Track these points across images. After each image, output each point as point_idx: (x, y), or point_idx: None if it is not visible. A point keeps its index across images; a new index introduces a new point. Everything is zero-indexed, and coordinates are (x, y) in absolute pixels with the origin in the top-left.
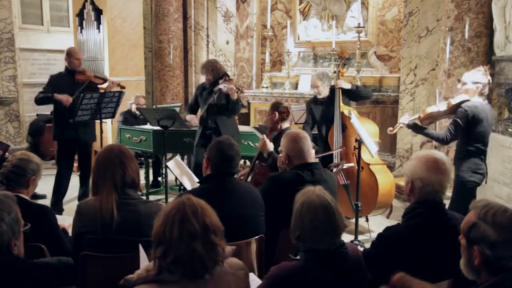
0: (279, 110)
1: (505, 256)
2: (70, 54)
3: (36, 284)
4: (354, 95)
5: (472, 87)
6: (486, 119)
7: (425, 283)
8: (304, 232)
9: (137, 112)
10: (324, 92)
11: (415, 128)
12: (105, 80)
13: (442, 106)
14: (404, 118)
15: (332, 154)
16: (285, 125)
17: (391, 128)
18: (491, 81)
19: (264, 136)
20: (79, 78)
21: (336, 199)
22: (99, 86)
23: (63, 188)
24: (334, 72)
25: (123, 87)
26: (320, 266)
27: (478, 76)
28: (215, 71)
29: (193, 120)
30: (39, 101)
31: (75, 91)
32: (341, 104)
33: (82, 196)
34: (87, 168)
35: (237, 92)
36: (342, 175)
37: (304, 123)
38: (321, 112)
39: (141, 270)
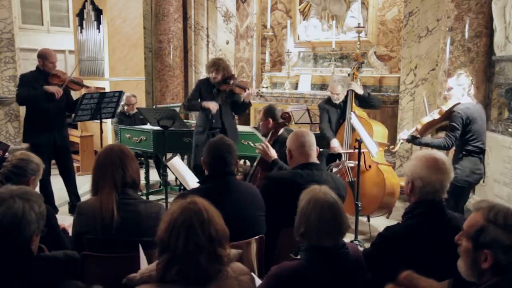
0: (274, 115)
1: None
2: (44, 57)
3: (43, 277)
4: (364, 101)
5: (458, 89)
6: (480, 117)
7: (432, 281)
8: (310, 229)
9: (130, 112)
10: (341, 100)
11: (415, 140)
12: (81, 86)
13: (435, 115)
14: (403, 134)
15: (340, 153)
16: (281, 130)
17: (393, 146)
18: (473, 81)
19: (266, 141)
20: (54, 81)
21: (342, 201)
22: (73, 90)
23: (50, 191)
24: (349, 74)
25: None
26: (320, 266)
27: (461, 79)
28: (225, 70)
29: (214, 107)
30: (23, 98)
31: (50, 94)
32: (353, 104)
33: (73, 196)
34: (70, 171)
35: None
36: (349, 173)
37: (321, 123)
38: (337, 116)
39: (145, 269)
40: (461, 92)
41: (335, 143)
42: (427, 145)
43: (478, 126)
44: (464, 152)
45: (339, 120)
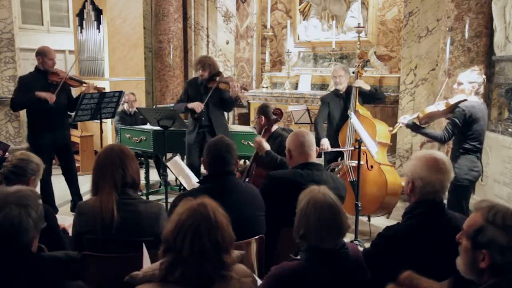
0: (266, 113)
1: None
2: (43, 54)
3: (43, 276)
4: (371, 97)
5: (468, 86)
6: (482, 118)
7: (432, 282)
8: (310, 230)
9: (131, 110)
10: (343, 85)
11: (414, 127)
12: (81, 83)
13: (440, 106)
14: (404, 118)
15: (343, 152)
16: (275, 127)
17: (391, 128)
18: (485, 80)
19: (259, 136)
20: (53, 79)
21: (342, 201)
22: (73, 88)
23: (50, 191)
24: (353, 72)
25: (100, 90)
26: (321, 266)
27: (473, 76)
28: (212, 67)
29: (198, 107)
30: (16, 105)
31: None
32: (357, 103)
33: (75, 195)
34: (72, 170)
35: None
36: (351, 172)
37: (317, 118)
38: (340, 108)
39: (148, 268)
40: (470, 89)
41: (325, 142)
42: (425, 134)
43: (479, 126)
44: (461, 150)
45: (343, 112)
